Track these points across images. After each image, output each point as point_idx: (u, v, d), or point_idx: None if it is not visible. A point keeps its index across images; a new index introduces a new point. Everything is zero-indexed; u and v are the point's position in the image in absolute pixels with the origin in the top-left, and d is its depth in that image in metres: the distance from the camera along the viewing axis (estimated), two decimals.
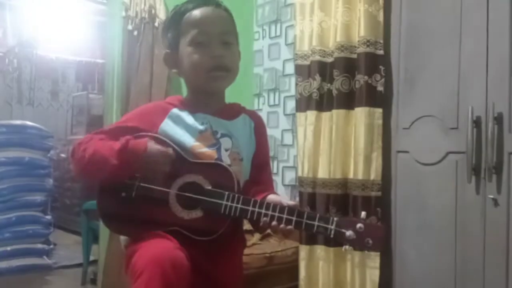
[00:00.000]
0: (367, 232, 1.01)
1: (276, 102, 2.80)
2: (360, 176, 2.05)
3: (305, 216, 1.03)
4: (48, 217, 3.40)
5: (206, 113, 1.20)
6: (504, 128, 1.72)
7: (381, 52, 2.07)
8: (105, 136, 1.14)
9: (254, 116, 1.30)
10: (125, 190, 1.10)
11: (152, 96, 2.53)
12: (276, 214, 1.04)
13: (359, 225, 1.02)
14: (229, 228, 1.09)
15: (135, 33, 2.55)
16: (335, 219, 1.03)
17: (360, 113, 2.07)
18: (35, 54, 5.20)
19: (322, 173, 2.17)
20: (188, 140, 1.15)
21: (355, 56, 2.12)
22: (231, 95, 1.29)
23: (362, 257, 2.03)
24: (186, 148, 1.14)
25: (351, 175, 2.10)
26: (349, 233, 1.01)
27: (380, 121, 2.06)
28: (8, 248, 3.13)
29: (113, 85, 2.57)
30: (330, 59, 2.20)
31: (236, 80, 1.23)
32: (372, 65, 2.06)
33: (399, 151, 2.08)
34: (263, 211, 1.04)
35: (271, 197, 1.12)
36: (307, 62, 2.27)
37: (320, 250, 2.17)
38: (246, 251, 1.28)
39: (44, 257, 3.33)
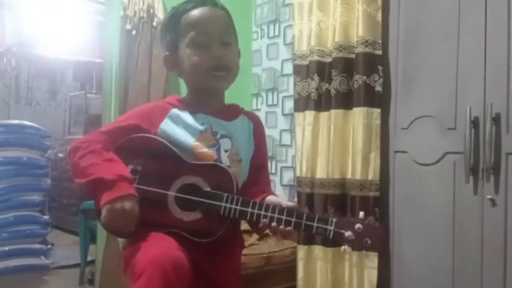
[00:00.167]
0: (365, 232, 1.02)
1: (275, 102, 2.80)
2: (358, 176, 2.06)
3: (304, 217, 1.03)
4: (46, 217, 3.38)
5: (206, 114, 1.20)
6: (502, 129, 1.72)
7: (380, 52, 2.07)
8: (105, 138, 1.14)
9: (252, 117, 1.30)
10: None
11: (150, 95, 2.53)
12: (275, 215, 1.04)
13: (357, 225, 1.02)
14: (228, 229, 1.09)
15: (134, 32, 2.55)
16: (334, 219, 1.03)
17: (358, 113, 2.07)
18: (33, 53, 5.18)
19: (320, 173, 2.17)
20: (189, 140, 1.15)
21: (353, 56, 2.12)
22: (229, 95, 1.29)
23: (360, 257, 2.04)
24: (187, 148, 1.14)
25: (349, 175, 2.10)
26: (348, 233, 1.02)
27: (378, 121, 2.06)
28: (6, 248, 3.12)
29: (111, 85, 2.56)
30: (328, 59, 2.20)
31: (235, 80, 1.23)
32: (371, 65, 2.06)
33: (397, 151, 2.09)
34: (263, 212, 1.04)
35: (270, 198, 1.12)
36: (305, 62, 2.27)
37: (318, 250, 2.17)
38: (244, 251, 1.28)
39: (42, 257, 3.31)
